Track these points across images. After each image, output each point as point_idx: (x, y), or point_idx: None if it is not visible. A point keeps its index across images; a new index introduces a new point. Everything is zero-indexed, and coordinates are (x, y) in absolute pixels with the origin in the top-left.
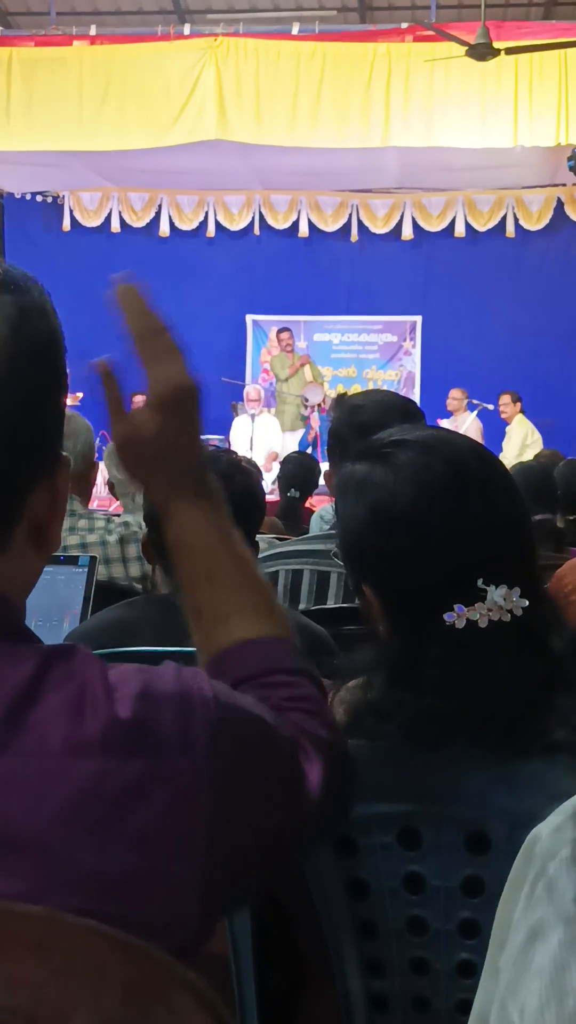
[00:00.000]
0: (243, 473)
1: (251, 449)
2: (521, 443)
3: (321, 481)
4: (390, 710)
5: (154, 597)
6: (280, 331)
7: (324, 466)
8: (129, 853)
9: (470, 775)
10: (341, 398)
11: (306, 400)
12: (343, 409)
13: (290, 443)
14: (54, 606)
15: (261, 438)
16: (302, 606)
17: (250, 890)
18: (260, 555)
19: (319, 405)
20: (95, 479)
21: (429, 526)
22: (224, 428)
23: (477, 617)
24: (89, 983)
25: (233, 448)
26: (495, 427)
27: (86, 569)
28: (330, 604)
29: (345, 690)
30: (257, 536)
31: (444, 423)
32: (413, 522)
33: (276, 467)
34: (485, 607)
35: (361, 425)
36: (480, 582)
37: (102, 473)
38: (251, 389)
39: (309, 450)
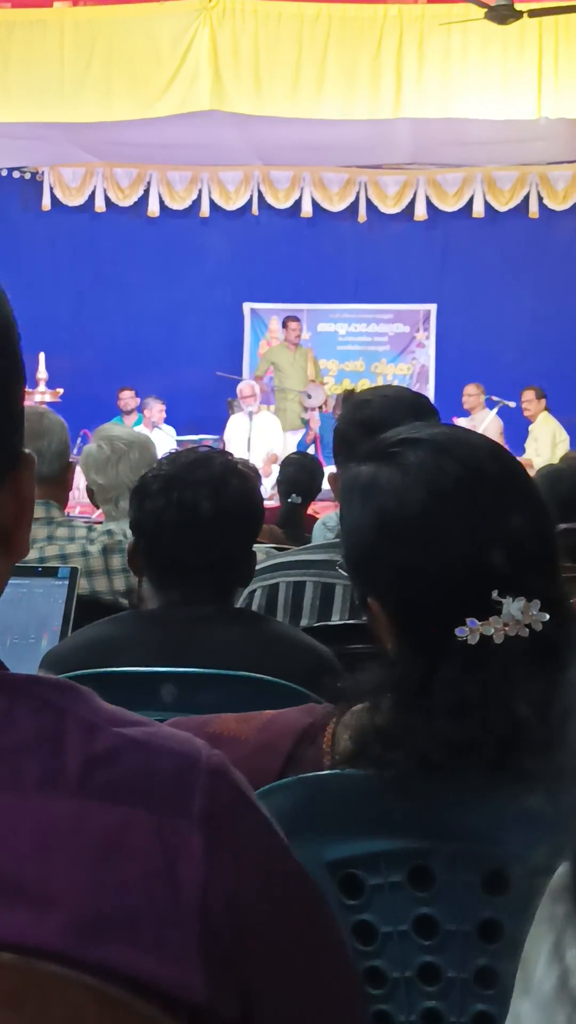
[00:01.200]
0: (239, 476)
1: (248, 450)
2: (547, 444)
3: (325, 485)
4: (399, 736)
5: (143, 613)
6: (288, 320)
7: (329, 469)
8: (110, 900)
9: (487, 807)
10: (348, 394)
11: (308, 397)
12: (348, 405)
13: (292, 444)
14: (31, 622)
15: (260, 438)
16: (304, 622)
17: (264, 963)
18: (258, 566)
19: (320, 407)
20: (72, 481)
21: (440, 533)
22: (218, 427)
23: (492, 632)
24: None
25: (228, 449)
26: (518, 426)
27: (67, 582)
28: (335, 620)
29: (350, 714)
30: (255, 546)
31: (461, 422)
32: (423, 528)
33: (276, 470)
34: (501, 621)
35: (366, 422)
36: (495, 594)
37: (81, 478)
38: (245, 385)
39: (311, 450)
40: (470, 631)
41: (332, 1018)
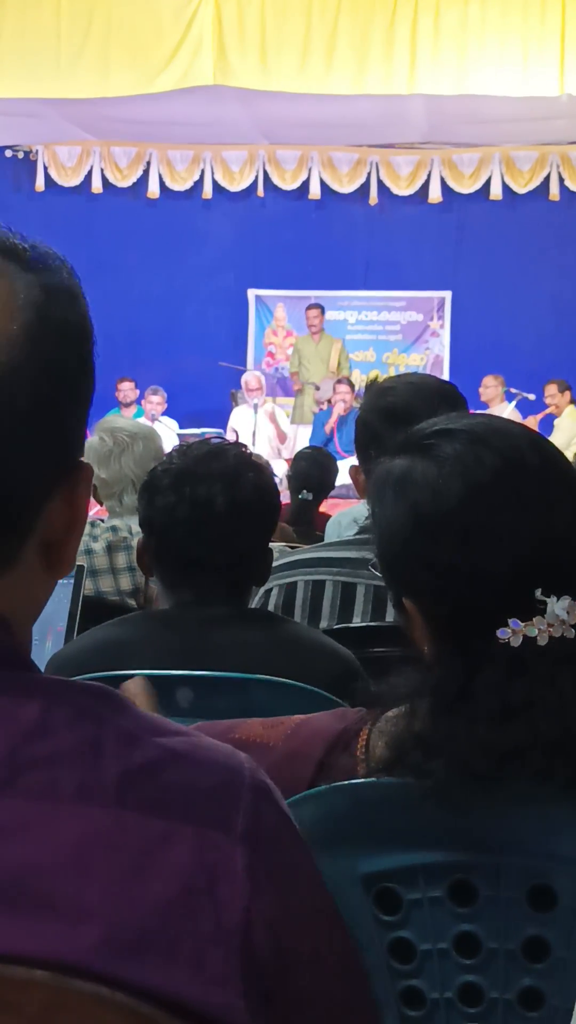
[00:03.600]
0: (254, 469)
1: (253, 444)
2: (568, 439)
3: (339, 481)
4: (439, 743)
5: (154, 613)
6: (308, 308)
7: (343, 464)
8: (147, 916)
9: (533, 818)
10: (371, 384)
11: (316, 388)
12: (371, 393)
13: (303, 438)
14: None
15: (265, 432)
16: (323, 624)
17: (301, 987)
18: (275, 563)
19: (328, 401)
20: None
21: (479, 528)
22: (222, 419)
23: (535, 633)
24: None
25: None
26: (543, 421)
27: (72, 581)
28: (356, 621)
29: (385, 720)
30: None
31: None
32: (461, 524)
33: (281, 464)
34: (545, 622)
35: (390, 409)
36: (539, 593)
37: None
38: (251, 377)
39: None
40: (512, 632)
41: None
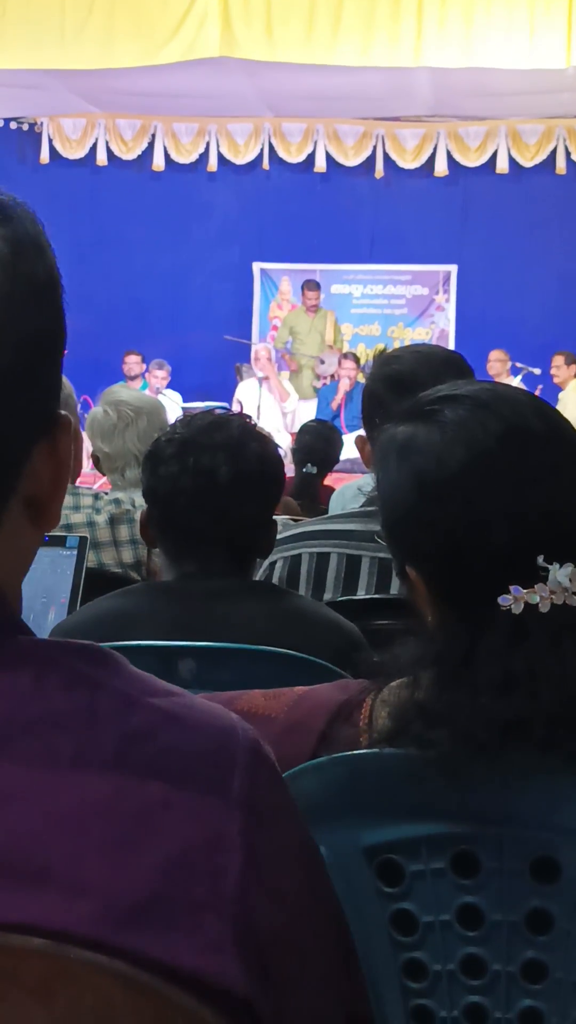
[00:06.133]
0: (258, 440)
1: (258, 418)
2: (574, 412)
3: (343, 455)
4: (442, 713)
5: (157, 585)
6: (306, 287)
7: (348, 438)
8: (145, 883)
9: (536, 790)
10: (379, 355)
11: (321, 363)
12: (377, 362)
13: (305, 413)
14: (37, 595)
15: (271, 406)
16: (327, 596)
17: (292, 953)
18: (279, 536)
19: (332, 376)
20: (82, 449)
21: (481, 494)
22: (227, 393)
23: (537, 600)
24: None
25: None
26: (544, 396)
27: (75, 552)
28: (360, 594)
29: (388, 690)
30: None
31: None
32: (463, 490)
33: (285, 437)
34: (547, 588)
35: (395, 377)
36: (541, 559)
37: (85, 445)
38: (260, 348)
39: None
40: (514, 599)
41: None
